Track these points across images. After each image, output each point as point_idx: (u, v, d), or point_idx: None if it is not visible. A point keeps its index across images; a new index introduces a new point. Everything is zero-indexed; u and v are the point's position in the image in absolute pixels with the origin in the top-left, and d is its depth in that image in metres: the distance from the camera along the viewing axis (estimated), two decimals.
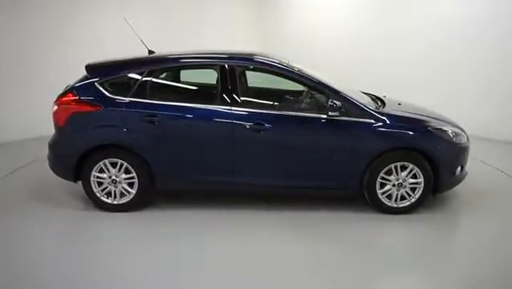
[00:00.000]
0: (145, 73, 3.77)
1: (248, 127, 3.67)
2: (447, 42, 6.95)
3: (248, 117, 3.71)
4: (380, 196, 3.85)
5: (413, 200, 3.87)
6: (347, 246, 3.42)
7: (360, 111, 3.75)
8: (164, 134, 3.72)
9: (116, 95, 3.74)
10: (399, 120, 3.83)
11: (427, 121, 3.91)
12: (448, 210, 4.08)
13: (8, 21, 6.26)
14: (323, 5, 9.08)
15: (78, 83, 3.85)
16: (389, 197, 3.87)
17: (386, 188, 3.83)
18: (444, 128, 3.90)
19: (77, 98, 3.73)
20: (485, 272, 3.03)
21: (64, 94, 3.82)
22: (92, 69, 3.91)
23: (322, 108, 3.75)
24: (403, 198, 3.88)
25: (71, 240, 3.56)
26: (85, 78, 3.86)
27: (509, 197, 4.46)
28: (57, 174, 4.02)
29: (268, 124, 3.68)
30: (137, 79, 3.77)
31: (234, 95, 3.74)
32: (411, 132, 3.78)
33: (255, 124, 3.67)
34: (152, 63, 3.87)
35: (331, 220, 3.83)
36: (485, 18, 6.43)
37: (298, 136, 3.78)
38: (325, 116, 3.67)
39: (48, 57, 6.73)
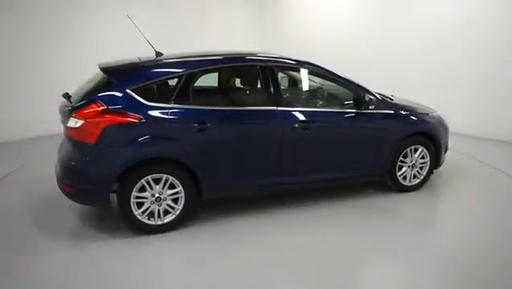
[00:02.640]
0: (184, 76, 3.43)
1: (297, 126, 3.70)
2: (447, 42, 6.93)
3: (295, 116, 3.73)
4: (399, 177, 4.33)
5: (421, 177, 4.46)
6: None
7: (384, 104, 4.14)
8: (214, 141, 3.46)
9: (155, 103, 3.31)
10: (416, 110, 4.35)
11: (427, 109, 4.53)
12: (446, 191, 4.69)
13: (7, 20, 6.22)
14: (323, 5, 9.07)
15: (102, 90, 3.27)
16: (404, 177, 4.37)
17: (403, 170, 4.33)
18: (439, 114, 4.58)
19: (106, 108, 3.18)
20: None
21: (86, 105, 3.20)
22: (116, 73, 3.38)
23: (346, 103, 4.01)
24: (414, 177, 4.43)
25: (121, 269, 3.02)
26: (109, 84, 3.31)
27: (496, 186, 4.83)
28: (84, 203, 3.39)
29: (313, 121, 3.77)
30: (177, 84, 3.41)
31: (278, 95, 3.71)
32: (421, 119, 4.35)
33: (302, 122, 3.72)
34: (190, 65, 3.52)
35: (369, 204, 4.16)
36: (486, 19, 6.40)
37: (338, 130, 3.97)
38: (362, 111, 3.95)
39: (47, 57, 6.68)
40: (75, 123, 3.19)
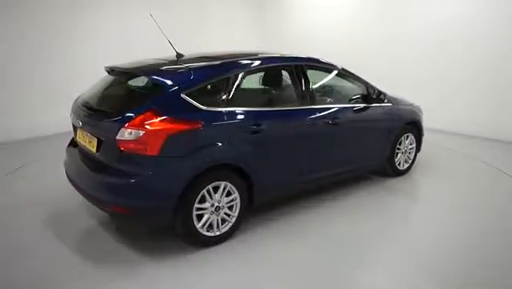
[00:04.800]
0: (233, 78, 3.30)
1: (330, 122, 3.86)
2: (448, 42, 6.95)
3: (328, 113, 3.89)
4: (396, 163, 4.81)
5: (410, 161, 5.03)
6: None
7: (385, 97, 4.53)
8: (265, 142, 3.40)
9: (209, 106, 3.12)
10: (402, 103, 4.84)
11: (409, 101, 5.08)
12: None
13: (7, 21, 6.17)
14: (323, 4, 8.89)
15: (152, 96, 2.97)
16: (399, 163, 4.87)
17: (398, 156, 4.82)
18: (418, 105, 5.18)
19: (165, 115, 2.89)
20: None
21: (140, 113, 2.85)
22: (165, 77, 3.10)
23: (360, 98, 4.30)
24: (405, 162, 4.96)
25: None
26: (159, 89, 3.02)
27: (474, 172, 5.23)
28: (145, 222, 3.08)
29: (340, 117, 3.97)
30: (227, 85, 3.26)
31: (312, 94, 3.82)
32: (410, 110, 4.88)
33: (333, 118, 3.90)
34: (238, 66, 3.40)
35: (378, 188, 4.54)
36: (486, 19, 6.44)
37: (359, 123, 4.25)
38: (379, 104, 4.33)
39: (48, 57, 6.67)
40: (129, 134, 2.83)
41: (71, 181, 3.47)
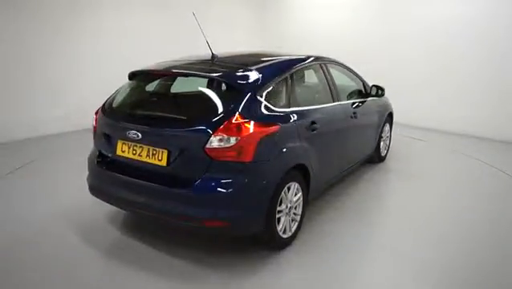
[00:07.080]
0: (288, 78, 3.31)
1: (351, 116, 4.14)
2: (448, 42, 6.96)
3: (351, 107, 4.21)
4: (380, 150, 5.33)
5: (387, 148, 5.61)
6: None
7: (383, 92, 4.97)
8: (319, 139, 3.48)
9: (277, 107, 3.08)
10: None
11: None
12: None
13: (7, 20, 6.10)
14: (324, 4, 8.78)
15: (235, 99, 2.81)
16: (381, 150, 5.40)
17: (381, 144, 5.35)
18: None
19: (251, 119, 2.76)
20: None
21: (227, 118, 2.69)
22: (238, 80, 2.97)
23: (362, 93, 4.72)
24: (384, 149, 5.53)
25: None
26: (235, 92, 2.87)
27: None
28: (242, 233, 2.97)
29: (357, 110, 4.28)
30: (286, 84, 3.27)
31: (337, 90, 4.02)
32: (388, 102, 5.44)
33: (353, 112, 4.19)
34: (289, 66, 3.41)
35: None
36: (486, 19, 6.47)
37: (365, 116, 4.58)
38: (380, 97, 4.81)
39: (48, 57, 6.60)
40: (220, 141, 2.65)
41: (111, 199, 3.14)
